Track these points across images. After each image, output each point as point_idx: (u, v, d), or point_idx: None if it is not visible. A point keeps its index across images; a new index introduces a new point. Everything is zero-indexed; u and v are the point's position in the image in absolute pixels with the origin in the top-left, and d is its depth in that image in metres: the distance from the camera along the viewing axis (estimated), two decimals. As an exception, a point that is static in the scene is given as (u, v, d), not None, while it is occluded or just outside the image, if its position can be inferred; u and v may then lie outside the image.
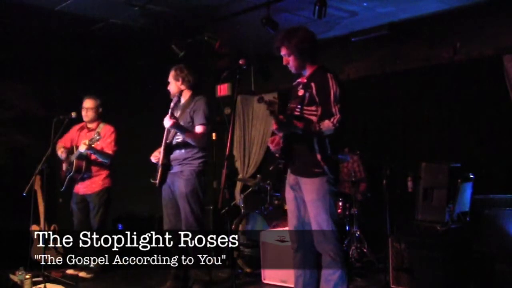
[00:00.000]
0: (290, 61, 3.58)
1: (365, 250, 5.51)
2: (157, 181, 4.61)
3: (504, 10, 5.63)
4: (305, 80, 3.60)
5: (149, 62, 7.12)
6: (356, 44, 6.64)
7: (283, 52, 3.58)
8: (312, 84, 3.49)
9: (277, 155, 3.60)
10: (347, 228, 5.66)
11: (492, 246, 4.83)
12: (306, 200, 3.52)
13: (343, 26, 6.33)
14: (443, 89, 6.20)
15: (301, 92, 3.53)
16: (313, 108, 3.47)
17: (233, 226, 5.42)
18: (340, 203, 5.60)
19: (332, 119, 3.36)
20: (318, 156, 3.45)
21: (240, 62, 3.61)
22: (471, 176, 5.08)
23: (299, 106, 3.51)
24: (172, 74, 4.61)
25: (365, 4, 5.59)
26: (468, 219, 4.95)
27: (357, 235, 5.53)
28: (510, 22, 5.66)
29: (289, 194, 3.69)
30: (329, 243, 3.47)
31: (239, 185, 7.68)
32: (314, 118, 3.44)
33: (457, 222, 4.78)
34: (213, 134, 7.08)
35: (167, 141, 4.49)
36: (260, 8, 5.50)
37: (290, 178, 3.67)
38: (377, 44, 6.59)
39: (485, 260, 4.36)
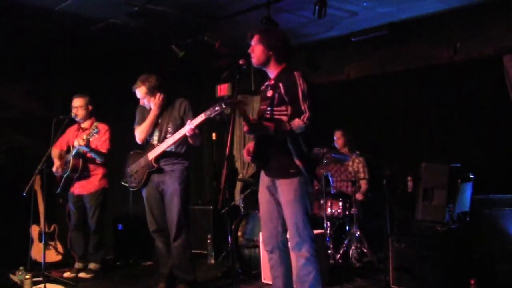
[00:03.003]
0: (255, 50, 3.57)
1: (365, 250, 5.51)
2: (141, 184, 4.63)
3: (504, 10, 5.62)
4: (273, 82, 3.61)
5: (149, 62, 7.12)
6: (356, 44, 6.64)
7: (254, 40, 3.58)
8: (280, 84, 3.48)
9: (250, 158, 3.60)
10: (347, 228, 5.67)
11: (492, 246, 4.83)
12: (283, 201, 3.50)
13: (343, 26, 6.33)
14: (443, 89, 6.20)
15: (270, 93, 3.53)
16: (283, 108, 3.46)
17: (233, 226, 5.42)
18: (340, 203, 5.61)
19: (302, 117, 3.33)
20: (293, 156, 3.42)
21: (240, 62, 3.60)
22: (471, 176, 5.08)
23: (269, 108, 3.50)
24: (144, 91, 4.60)
25: (365, 4, 5.59)
26: (468, 219, 4.95)
27: (357, 235, 5.53)
28: (510, 22, 5.66)
29: (264, 196, 3.68)
30: (305, 243, 3.47)
31: (239, 185, 7.68)
32: (284, 118, 3.42)
33: (457, 222, 4.78)
34: (213, 134, 7.09)
35: (166, 146, 4.50)
36: (260, 8, 5.49)
37: (265, 179, 3.66)
38: (377, 44, 6.59)
39: (485, 260, 4.36)
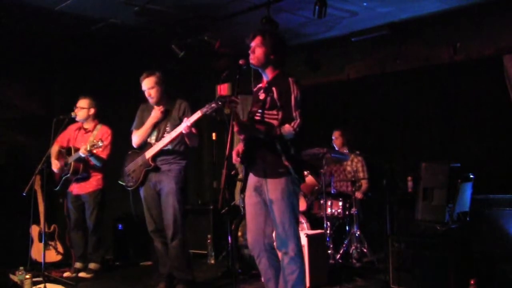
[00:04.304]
0: (256, 52, 3.58)
1: (365, 250, 5.51)
2: (138, 183, 4.63)
3: (504, 10, 5.63)
4: (266, 85, 3.62)
5: (149, 62, 7.12)
6: (356, 44, 6.64)
7: (257, 41, 3.59)
8: (273, 88, 3.51)
9: (240, 159, 3.61)
10: (347, 228, 5.67)
11: (492, 246, 4.83)
12: (270, 199, 3.52)
13: (343, 26, 6.33)
14: (443, 89, 6.20)
15: (262, 96, 3.56)
16: (274, 112, 3.49)
17: (233, 226, 5.42)
18: (340, 203, 5.61)
19: (292, 124, 3.39)
20: (282, 157, 3.47)
21: (240, 62, 3.60)
22: (471, 176, 5.08)
23: (260, 110, 3.53)
24: (154, 80, 4.60)
25: (365, 4, 5.59)
26: (468, 219, 4.95)
27: (357, 235, 5.54)
28: (510, 22, 5.66)
29: (251, 198, 3.68)
30: (290, 242, 3.49)
31: (239, 185, 7.67)
32: (275, 122, 3.47)
33: (457, 222, 4.78)
34: (213, 134, 7.09)
35: (162, 145, 4.51)
36: (260, 8, 5.49)
37: (253, 180, 3.67)
38: (377, 44, 6.59)
39: (485, 260, 4.36)
